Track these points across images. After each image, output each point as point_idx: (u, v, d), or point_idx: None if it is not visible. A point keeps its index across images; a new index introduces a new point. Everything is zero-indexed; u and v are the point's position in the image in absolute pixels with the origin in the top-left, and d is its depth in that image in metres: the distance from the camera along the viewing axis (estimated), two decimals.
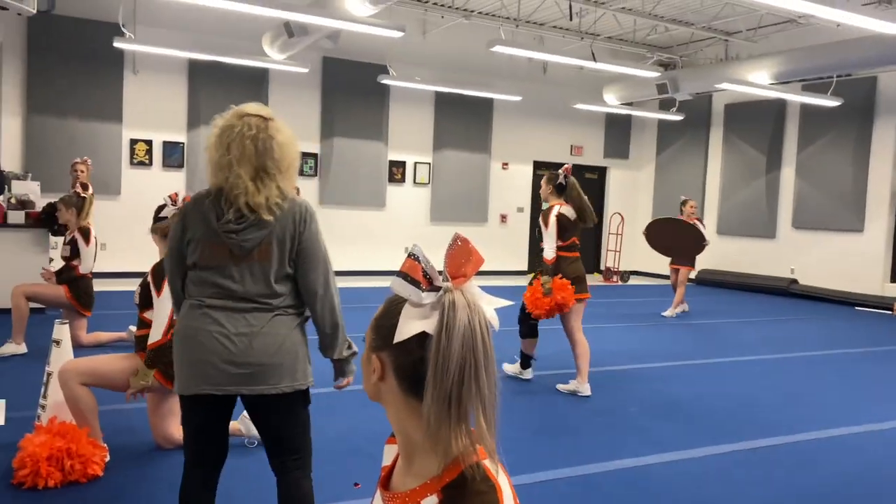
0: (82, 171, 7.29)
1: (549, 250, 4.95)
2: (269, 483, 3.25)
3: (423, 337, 0.99)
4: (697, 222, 8.99)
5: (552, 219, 4.94)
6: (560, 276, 4.92)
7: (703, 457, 3.84)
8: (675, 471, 3.62)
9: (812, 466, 3.76)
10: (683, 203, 9.08)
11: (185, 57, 9.92)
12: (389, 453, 1.19)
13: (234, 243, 2.17)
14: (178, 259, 2.25)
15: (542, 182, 5.18)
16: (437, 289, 1.01)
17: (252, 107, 2.23)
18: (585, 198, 5.03)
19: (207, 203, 2.20)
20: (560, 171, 5.08)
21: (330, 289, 2.27)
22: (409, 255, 1.03)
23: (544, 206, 5.16)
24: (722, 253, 12.40)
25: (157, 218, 3.38)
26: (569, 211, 4.98)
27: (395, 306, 1.04)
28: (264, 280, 2.19)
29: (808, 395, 5.28)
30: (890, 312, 9.97)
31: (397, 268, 1.03)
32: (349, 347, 2.36)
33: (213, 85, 10.39)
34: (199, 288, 2.21)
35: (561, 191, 5.04)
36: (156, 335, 3.30)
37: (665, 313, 8.99)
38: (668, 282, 13.07)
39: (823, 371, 6.18)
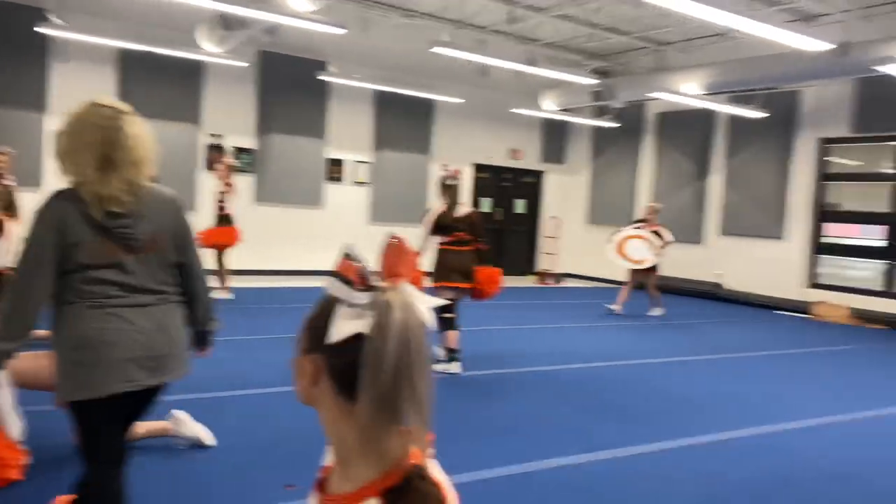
0: (2, 163, 6.93)
1: (417, 245, 5.58)
2: (198, 487, 3.18)
3: (358, 338, 0.98)
4: (660, 228, 9.44)
5: (428, 217, 5.76)
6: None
7: (636, 455, 3.94)
8: (609, 469, 3.70)
9: (740, 463, 3.91)
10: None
11: (116, 46, 9.57)
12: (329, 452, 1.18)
13: (124, 237, 2.18)
14: (51, 262, 2.13)
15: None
16: (372, 289, 1.00)
17: (107, 99, 2.31)
18: (456, 201, 5.73)
19: (77, 199, 2.15)
20: (446, 173, 5.90)
21: (203, 268, 2.44)
22: (344, 255, 1.02)
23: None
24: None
25: None
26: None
27: (328, 307, 1.02)
28: (160, 270, 2.26)
29: (734, 395, 5.49)
30: (807, 315, 10.46)
31: (334, 268, 1.02)
32: (213, 318, 2.52)
33: (145, 77, 10.05)
34: (94, 287, 2.15)
35: (446, 191, 5.75)
36: None
37: (653, 312, 9.52)
38: (600, 285, 13.44)
39: (748, 371, 6.44)
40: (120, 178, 2.17)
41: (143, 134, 2.28)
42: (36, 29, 8.43)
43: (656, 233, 9.34)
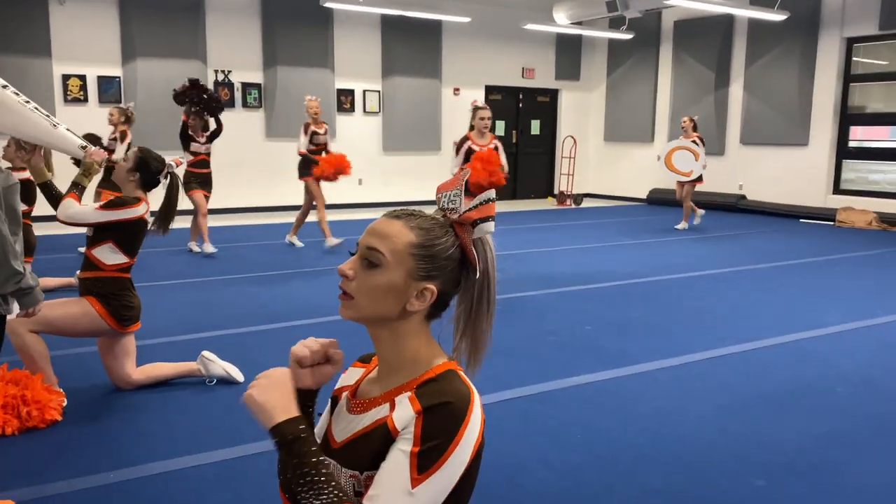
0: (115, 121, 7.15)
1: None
2: (230, 421, 3.27)
3: (461, 262, 1.08)
4: (697, 140, 9.39)
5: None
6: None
7: (658, 369, 3.98)
8: (630, 384, 3.75)
9: (765, 372, 3.94)
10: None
11: None
12: (353, 375, 1.22)
13: None
14: None
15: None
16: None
17: None
18: None
19: None
20: None
21: None
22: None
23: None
24: None
25: (150, 176, 3.48)
26: None
27: (442, 233, 1.08)
28: None
29: (757, 306, 5.48)
30: (832, 223, 10.33)
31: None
32: (16, 283, 2.20)
33: (146, 15, 9.85)
34: None
35: None
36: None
37: (677, 226, 9.68)
38: (619, 203, 13.38)
39: (772, 282, 6.41)
40: None
41: None
42: None
43: (695, 142, 9.39)
